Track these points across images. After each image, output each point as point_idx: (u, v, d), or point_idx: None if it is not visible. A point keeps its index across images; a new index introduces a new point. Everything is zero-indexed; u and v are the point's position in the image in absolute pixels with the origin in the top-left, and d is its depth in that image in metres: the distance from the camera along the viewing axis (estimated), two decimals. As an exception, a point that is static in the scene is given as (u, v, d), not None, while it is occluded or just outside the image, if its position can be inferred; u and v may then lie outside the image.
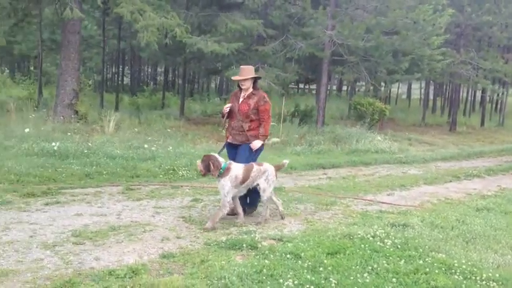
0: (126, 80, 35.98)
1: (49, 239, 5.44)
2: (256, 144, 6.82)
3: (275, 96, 19.37)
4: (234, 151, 6.93)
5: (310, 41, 18.04)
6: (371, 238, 5.72)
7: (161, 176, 9.29)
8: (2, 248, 5.12)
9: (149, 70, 43.96)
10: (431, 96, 40.05)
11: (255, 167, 6.48)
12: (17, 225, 5.90)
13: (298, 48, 17.96)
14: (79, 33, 15.95)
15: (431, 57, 21.33)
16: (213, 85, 45.18)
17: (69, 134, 12.44)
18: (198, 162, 6.33)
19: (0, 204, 6.72)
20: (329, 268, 4.76)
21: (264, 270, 4.64)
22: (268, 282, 4.42)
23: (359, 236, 5.79)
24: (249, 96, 6.84)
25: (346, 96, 36.33)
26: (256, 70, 17.00)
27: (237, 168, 6.34)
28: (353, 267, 4.83)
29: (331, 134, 16.98)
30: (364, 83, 24.33)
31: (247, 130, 6.82)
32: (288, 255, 5.10)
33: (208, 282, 4.40)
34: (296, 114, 19.88)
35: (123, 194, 7.88)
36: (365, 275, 4.65)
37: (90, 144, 10.98)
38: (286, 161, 6.99)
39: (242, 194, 6.61)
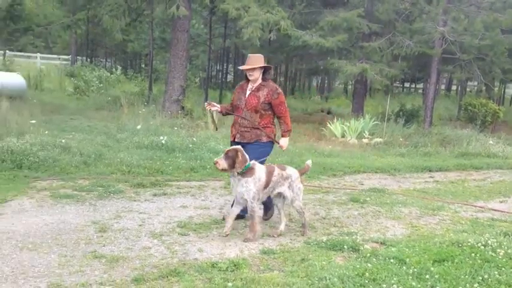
0: (230, 78, 36.81)
1: (156, 229, 5.68)
2: (283, 142, 6.18)
3: (379, 93, 18.81)
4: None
5: (421, 37, 17.32)
6: (482, 247, 5.34)
7: (262, 172, 9.35)
8: (113, 235, 5.42)
9: (252, 68, 44.64)
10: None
11: (277, 170, 5.68)
12: (128, 214, 6.23)
13: (405, 45, 17.32)
14: (187, 31, 16.57)
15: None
16: (314, 83, 44.97)
17: (175, 128, 12.96)
18: (218, 159, 5.41)
19: (113, 193, 7.14)
20: (436, 276, 4.51)
21: (366, 273, 4.51)
22: (370, 287, 4.28)
23: (469, 244, 5.43)
24: (258, 88, 6.03)
25: (456, 97, 34.49)
26: (355, 65, 16.74)
27: (261, 170, 5.54)
28: (461, 277, 4.54)
29: (439, 135, 16.19)
30: (476, 83, 22.96)
31: (257, 127, 6.00)
32: (392, 260, 4.90)
33: (309, 281, 4.35)
34: (401, 113, 19.20)
35: (225, 188, 8.04)
36: (475, 285, 4.35)
37: (194, 139, 11.35)
38: (309, 162, 6.14)
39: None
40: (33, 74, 22.38)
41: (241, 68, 6.18)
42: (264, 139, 6.06)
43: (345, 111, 22.69)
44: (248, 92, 6.04)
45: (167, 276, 4.35)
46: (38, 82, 21.84)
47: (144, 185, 7.73)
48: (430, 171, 11.39)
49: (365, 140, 14.65)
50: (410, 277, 4.49)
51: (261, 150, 5.96)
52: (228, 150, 5.40)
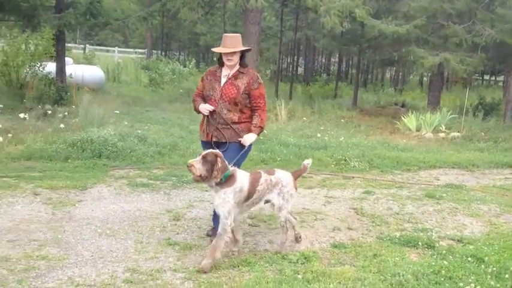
0: (300, 70, 36.66)
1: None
2: (249, 138, 4.94)
3: (457, 86, 18.02)
4: (221, 150, 4.76)
5: (503, 26, 16.41)
6: None
7: (332, 165, 9.26)
8: (186, 223, 5.56)
9: (323, 60, 44.25)
10: None
11: (264, 177, 4.72)
12: (200, 204, 6.36)
13: (486, 34, 16.47)
14: (259, 24, 16.65)
15: None
16: (387, 75, 43.87)
17: (246, 120, 13.06)
18: (193, 162, 4.45)
19: (186, 182, 7.31)
20: (517, 277, 4.29)
21: (442, 271, 4.36)
22: (447, 285, 4.14)
23: (554, 244, 5.11)
24: (235, 76, 4.97)
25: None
26: (437, 55, 16.10)
27: (243, 178, 4.58)
28: (545, 278, 4.28)
29: (520, 130, 15.31)
30: None
31: (238, 122, 4.98)
32: (469, 258, 4.72)
33: (381, 277, 4.26)
34: (480, 107, 18.32)
35: (297, 181, 8.00)
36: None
37: (265, 131, 11.39)
38: (308, 161, 5.19)
39: (241, 215, 4.86)
40: (111, 67, 23.31)
41: (215, 50, 5.08)
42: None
43: (420, 104, 21.96)
44: (224, 80, 4.98)
45: (238, 266, 4.41)
46: (115, 75, 22.72)
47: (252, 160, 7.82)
48: (510, 167, 10.79)
49: (441, 134, 14.11)
50: (489, 276, 4.30)
51: (242, 150, 4.94)
52: (206, 154, 4.45)
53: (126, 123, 11.20)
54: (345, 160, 9.44)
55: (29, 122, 10.07)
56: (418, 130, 14.58)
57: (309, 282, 4.10)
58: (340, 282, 4.12)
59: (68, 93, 13.37)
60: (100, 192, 6.59)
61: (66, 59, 15.41)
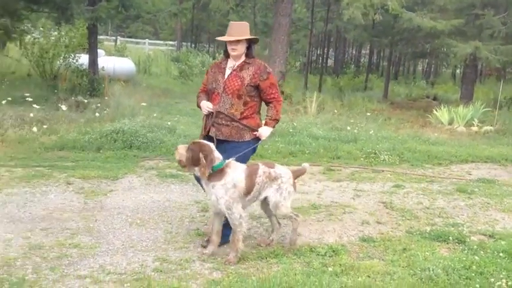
0: (330, 62, 36.36)
1: (255, 211, 5.75)
2: (264, 132, 4.63)
3: (490, 79, 17.62)
4: (218, 150, 4.38)
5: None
6: None
7: (362, 159, 9.17)
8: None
9: (353, 52, 43.80)
10: None
11: (262, 169, 4.40)
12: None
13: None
14: (289, 15, 16.56)
15: None
16: (419, 67, 43.16)
17: (275, 113, 13.04)
18: (180, 146, 4.31)
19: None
20: (551, 274, 4.19)
21: (473, 266, 4.30)
22: (477, 280, 4.07)
23: None
24: (241, 67, 4.61)
25: None
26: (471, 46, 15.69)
27: (237, 172, 4.26)
28: None
29: (558, 124, 14.88)
30: None
31: (240, 118, 4.58)
32: (501, 254, 4.66)
33: (411, 271, 4.22)
34: (515, 100, 17.90)
35: (324, 174, 7.98)
36: None
37: (295, 123, 11.36)
38: (306, 165, 4.86)
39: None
40: (142, 59, 23.56)
41: (221, 39, 4.66)
42: (247, 136, 4.65)
43: (452, 97, 21.58)
44: (228, 72, 4.63)
45: (266, 258, 4.43)
46: (146, 67, 22.96)
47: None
48: (546, 162, 10.51)
49: (474, 128, 13.82)
50: (522, 273, 4.21)
51: (243, 151, 4.54)
52: (193, 143, 4.26)
53: (155, 114, 11.31)
54: (375, 153, 9.34)
55: (62, 113, 10.27)
56: (450, 124, 14.33)
57: (337, 275, 4.09)
58: (369, 276, 4.10)
59: (100, 85, 13.59)
60: (130, 183, 6.69)
61: (98, 51, 15.66)
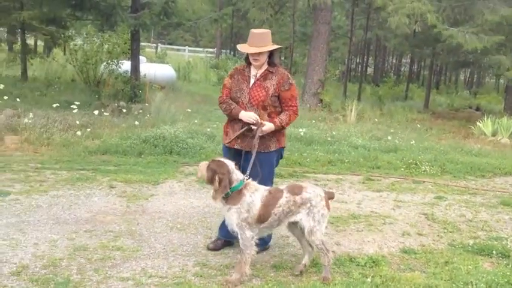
0: (369, 71, 36.08)
1: (294, 219, 5.77)
2: (267, 126, 4.39)
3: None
4: (238, 161, 4.38)
5: None
6: None
7: (402, 169, 9.04)
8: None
9: (393, 61, 43.30)
10: None
11: (286, 196, 4.05)
12: (267, 202, 6.40)
13: None
14: (329, 23, 16.55)
15: None
16: (461, 77, 42.28)
17: (313, 121, 13.02)
18: (202, 165, 4.13)
19: (253, 181, 7.38)
20: None
21: (518, 282, 4.17)
22: (523, 297, 3.95)
23: None
24: (264, 77, 4.48)
25: None
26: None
27: (255, 196, 4.01)
28: None
29: None
30: None
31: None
32: (549, 270, 4.49)
33: (453, 285, 4.14)
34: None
35: (363, 183, 7.90)
36: None
37: (334, 132, 11.30)
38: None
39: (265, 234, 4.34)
40: (182, 66, 23.90)
41: (243, 50, 4.49)
42: (273, 147, 4.59)
43: (496, 108, 21.06)
44: (252, 81, 4.51)
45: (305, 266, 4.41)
46: (186, 73, 23.29)
47: (282, 175, 7.87)
48: None
49: (518, 140, 13.45)
50: None
51: (269, 163, 4.56)
52: (212, 161, 4.13)
53: (196, 121, 11.45)
54: (416, 164, 9.19)
55: (105, 118, 10.52)
56: (493, 135, 13.97)
57: (377, 286, 4.05)
58: (409, 288, 4.04)
59: (142, 91, 13.85)
60: (171, 188, 6.79)
61: (140, 57, 15.99)
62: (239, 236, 4.02)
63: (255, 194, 4.02)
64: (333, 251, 4.49)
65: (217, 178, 3.94)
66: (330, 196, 4.30)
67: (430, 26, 15.02)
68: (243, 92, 4.48)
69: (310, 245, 4.25)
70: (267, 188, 4.16)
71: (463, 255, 4.93)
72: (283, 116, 4.50)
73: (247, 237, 3.98)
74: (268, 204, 4.00)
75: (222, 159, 4.14)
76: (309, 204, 4.05)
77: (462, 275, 4.36)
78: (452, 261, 4.73)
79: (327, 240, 4.31)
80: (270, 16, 19.92)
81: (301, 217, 4.06)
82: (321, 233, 4.08)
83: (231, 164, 4.06)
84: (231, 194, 4.00)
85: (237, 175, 4.05)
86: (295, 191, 4.09)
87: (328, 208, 4.17)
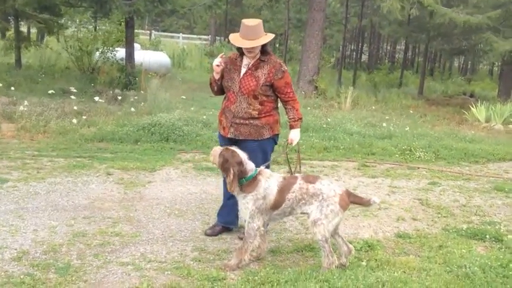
0: (364, 58, 36.07)
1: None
2: (295, 135, 4.57)
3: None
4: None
5: None
6: None
7: (397, 155, 9.11)
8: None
9: (388, 48, 43.28)
10: None
11: (299, 183, 4.04)
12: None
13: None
14: (324, 10, 16.49)
15: None
16: (456, 64, 42.35)
17: (308, 108, 13.05)
18: (215, 150, 4.19)
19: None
20: None
21: (511, 265, 4.26)
22: (515, 279, 4.04)
23: None
24: (256, 66, 4.46)
25: None
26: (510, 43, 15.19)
27: (271, 183, 4.06)
28: None
29: None
30: None
31: (257, 117, 4.48)
32: (540, 253, 4.58)
33: (447, 268, 4.21)
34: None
35: (359, 170, 7.97)
36: None
37: (329, 119, 11.35)
38: (376, 200, 4.08)
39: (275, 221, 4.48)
40: (177, 53, 23.81)
41: (235, 43, 4.44)
42: (266, 134, 4.56)
43: (490, 94, 21.14)
44: (243, 70, 4.49)
45: (302, 251, 4.50)
46: (180, 61, 23.20)
47: (278, 162, 7.92)
48: None
49: (512, 126, 13.57)
50: (560, 272, 4.16)
51: (263, 150, 4.56)
52: (226, 149, 4.12)
53: (192, 108, 11.47)
54: (410, 150, 9.27)
55: (101, 105, 10.52)
56: (487, 121, 14.07)
57: (372, 269, 4.12)
58: (404, 272, 4.11)
59: (137, 78, 13.83)
60: (168, 174, 6.84)
61: (135, 45, 15.92)
62: (246, 225, 4.07)
63: (270, 179, 4.07)
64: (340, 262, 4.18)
65: (231, 170, 3.96)
66: (354, 200, 4.12)
67: (425, 10, 14.99)
68: (234, 81, 4.49)
69: (347, 245, 4.18)
70: (280, 175, 4.21)
71: (456, 239, 5.02)
72: (291, 113, 4.54)
73: (254, 227, 4.02)
74: (283, 190, 4.03)
75: (236, 149, 4.12)
76: (320, 197, 3.96)
77: (456, 258, 4.44)
78: (446, 245, 4.81)
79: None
80: (266, 2, 19.87)
81: (312, 209, 3.98)
82: (325, 228, 3.92)
83: (241, 154, 4.07)
84: (246, 182, 4.02)
85: (250, 165, 4.07)
86: (310, 179, 4.08)
87: (342, 207, 3.98)
